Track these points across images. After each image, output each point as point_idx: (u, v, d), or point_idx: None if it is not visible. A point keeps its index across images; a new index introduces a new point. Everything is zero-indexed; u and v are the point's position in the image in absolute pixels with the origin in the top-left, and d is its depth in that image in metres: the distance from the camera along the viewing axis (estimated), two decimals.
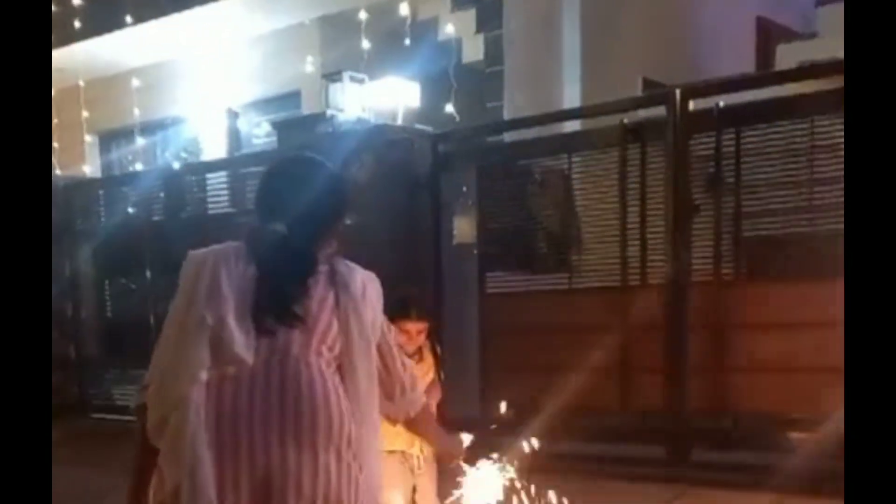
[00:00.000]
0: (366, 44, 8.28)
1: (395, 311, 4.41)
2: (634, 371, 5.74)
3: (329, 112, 6.73)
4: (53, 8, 10.67)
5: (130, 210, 8.12)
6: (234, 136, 9.01)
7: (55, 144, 11.26)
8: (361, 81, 6.91)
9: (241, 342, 2.19)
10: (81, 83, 10.88)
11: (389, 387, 2.51)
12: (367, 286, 2.35)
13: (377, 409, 2.38)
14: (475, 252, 6.38)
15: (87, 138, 10.93)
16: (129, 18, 10.33)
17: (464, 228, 6.40)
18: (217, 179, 7.57)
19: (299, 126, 6.93)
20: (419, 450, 4.26)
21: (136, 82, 10.66)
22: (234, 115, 9.97)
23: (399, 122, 7.01)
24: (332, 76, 6.97)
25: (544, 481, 3.38)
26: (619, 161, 5.73)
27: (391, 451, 4.23)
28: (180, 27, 10.08)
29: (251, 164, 7.28)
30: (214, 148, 9.92)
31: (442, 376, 4.40)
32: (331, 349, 2.27)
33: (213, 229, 7.03)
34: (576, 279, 6.14)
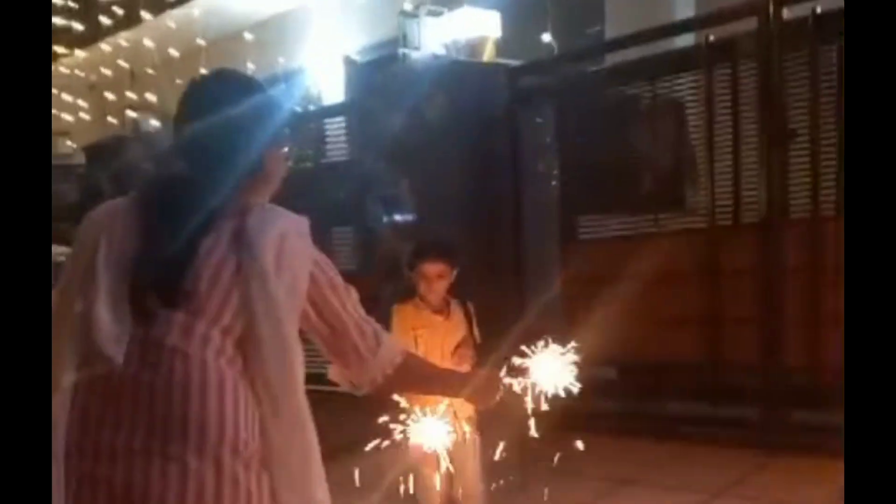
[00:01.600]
0: None
1: (413, 254, 4.14)
2: (725, 322, 5.10)
3: (402, 51, 6.34)
4: None
5: None
6: (353, 85, 8.73)
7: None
8: (438, 15, 6.47)
9: (110, 334, 1.74)
10: (202, 42, 10.98)
11: (339, 350, 1.96)
12: (286, 239, 1.79)
13: (300, 397, 1.83)
14: (557, 194, 5.87)
15: None
16: None
17: None
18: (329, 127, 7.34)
19: (371, 67, 6.60)
20: (452, 414, 3.93)
21: (250, 37, 10.66)
22: (351, 62, 9.79)
23: (485, 56, 6.52)
24: (408, 12, 6.57)
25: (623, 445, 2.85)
26: (705, 84, 5.04)
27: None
28: None
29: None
30: (335, 98, 9.77)
31: (477, 336, 4.03)
32: (227, 332, 1.76)
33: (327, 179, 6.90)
34: (667, 220, 5.52)
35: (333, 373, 2.04)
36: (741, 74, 5.00)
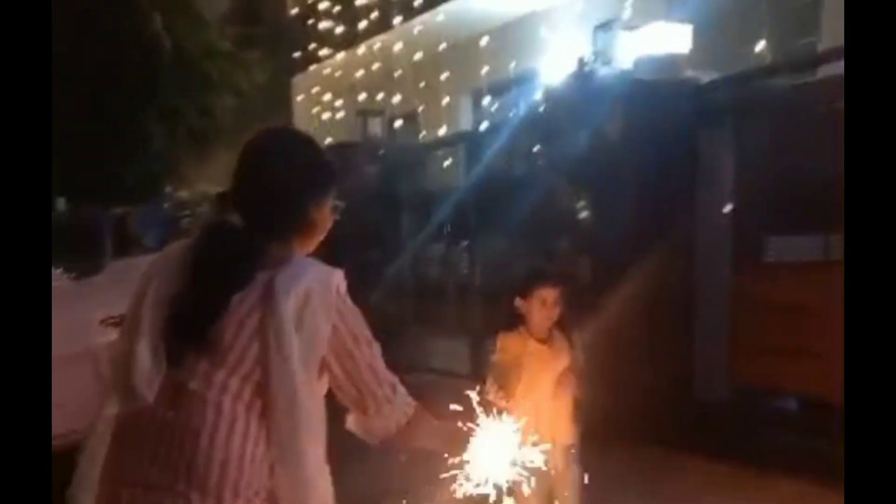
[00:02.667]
0: None
1: (529, 279, 4.12)
2: None
3: (586, 65, 6.26)
4: None
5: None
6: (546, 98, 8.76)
7: (420, 107, 12.12)
8: (633, 29, 6.31)
9: (144, 374, 1.90)
10: (444, 46, 11.40)
11: (358, 401, 2.03)
12: (311, 295, 1.88)
13: (312, 451, 1.94)
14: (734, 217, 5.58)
15: (446, 99, 11.46)
16: None
17: None
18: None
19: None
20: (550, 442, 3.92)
21: (486, 41, 10.92)
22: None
23: (688, 70, 6.28)
24: (602, 25, 6.46)
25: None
26: None
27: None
28: None
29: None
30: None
31: (580, 364, 3.99)
32: (246, 378, 1.88)
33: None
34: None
35: (350, 422, 2.12)
36: None
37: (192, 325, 1.88)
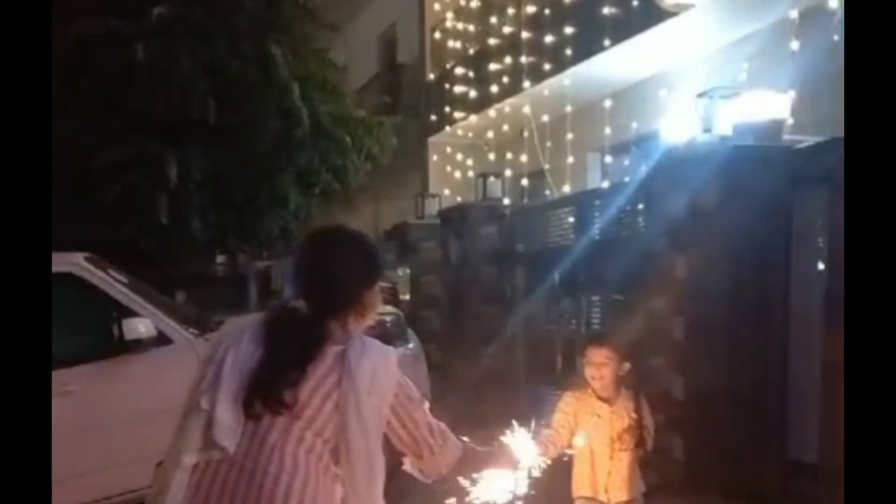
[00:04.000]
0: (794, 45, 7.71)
1: (584, 343, 4.42)
2: None
3: (661, 132, 6.46)
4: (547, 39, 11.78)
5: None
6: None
7: (546, 166, 12.42)
8: (731, 97, 6.44)
9: (227, 427, 2.21)
10: (569, 109, 11.71)
11: (415, 449, 2.48)
12: (377, 371, 2.31)
13: (380, 493, 2.34)
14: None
15: (570, 159, 11.73)
16: (606, 42, 10.87)
17: None
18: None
19: (629, 149, 6.75)
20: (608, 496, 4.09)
21: (609, 104, 11.16)
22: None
23: (786, 136, 6.37)
24: (703, 93, 6.62)
25: None
26: None
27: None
28: (651, 43, 10.28)
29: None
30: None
31: (649, 425, 4.19)
32: (318, 434, 2.25)
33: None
34: None
35: (408, 465, 2.59)
36: None
37: (271, 388, 2.23)
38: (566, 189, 11.34)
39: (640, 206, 7.02)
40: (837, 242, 5.71)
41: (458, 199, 12.90)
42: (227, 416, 2.22)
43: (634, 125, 10.85)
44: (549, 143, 12.38)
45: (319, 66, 12.05)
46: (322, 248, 2.51)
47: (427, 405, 2.51)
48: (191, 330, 5.86)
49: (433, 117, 15.45)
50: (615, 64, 11.05)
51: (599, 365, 4.07)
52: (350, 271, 2.44)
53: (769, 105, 6.29)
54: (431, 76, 16.14)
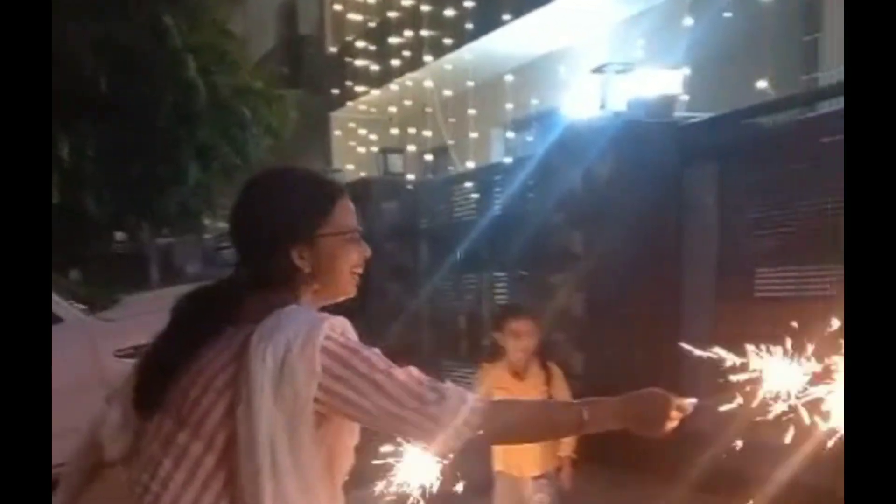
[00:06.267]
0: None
1: (500, 313, 4.43)
2: None
3: (563, 108, 6.58)
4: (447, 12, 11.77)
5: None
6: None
7: (450, 141, 12.46)
8: (626, 72, 6.57)
9: (112, 427, 1.80)
10: (471, 84, 11.75)
11: (401, 432, 1.77)
12: (291, 348, 1.66)
13: (299, 497, 1.71)
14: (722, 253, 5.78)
15: (474, 135, 11.79)
16: (506, 16, 10.93)
17: None
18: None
19: (531, 125, 6.85)
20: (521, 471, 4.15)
21: (510, 79, 11.24)
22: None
23: (668, 114, 6.52)
24: (599, 68, 6.74)
25: None
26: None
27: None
28: (549, 18, 10.38)
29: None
30: None
31: (566, 399, 4.19)
32: (209, 447, 1.69)
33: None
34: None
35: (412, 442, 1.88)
36: None
37: (153, 381, 1.75)
38: (470, 165, 11.40)
39: (541, 182, 7.10)
40: (728, 216, 5.91)
41: (362, 174, 12.84)
42: (116, 415, 1.80)
43: (536, 101, 10.96)
44: (452, 119, 12.42)
45: (217, 37, 11.78)
46: (246, 195, 1.86)
47: (408, 373, 1.75)
48: (81, 307, 5.76)
49: (335, 91, 15.29)
50: (515, 39, 11.14)
51: (524, 334, 4.08)
52: (268, 223, 1.79)
53: (662, 81, 6.44)
54: (332, 49, 15.96)
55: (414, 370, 1.76)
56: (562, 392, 4.18)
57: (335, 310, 1.82)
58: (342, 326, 1.73)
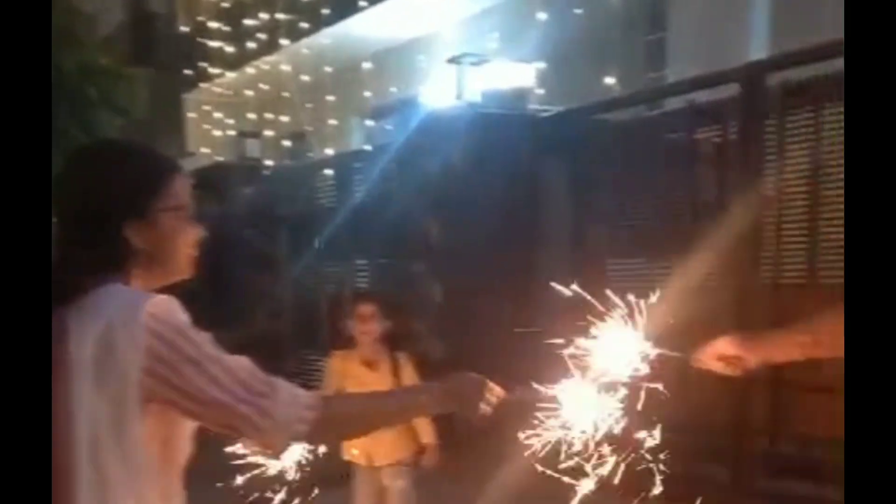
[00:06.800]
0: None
1: (349, 300, 4.53)
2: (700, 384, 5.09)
3: (421, 97, 6.71)
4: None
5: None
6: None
7: (308, 128, 12.36)
8: (479, 63, 6.74)
9: None
10: (329, 69, 11.68)
11: (229, 425, 1.65)
12: (113, 329, 1.55)
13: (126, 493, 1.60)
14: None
15: (333, 121, 11.74)
16: (362, 2, 10.93)
17: None
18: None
19: (389, 114, 6.95)
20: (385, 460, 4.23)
21: (368, 66, 11.24)
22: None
23: (521, 106, 6.73)
24: (454, 58, 6.87)
25: None
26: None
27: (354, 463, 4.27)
28: (405, 6, 10.44)
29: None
30: None
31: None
32: None
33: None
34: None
35: (244, 441, 1.82)
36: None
37: None
38: (329, 152, 11.34)
39: (401, 171, 7.19)
40: (580, 208, 6.16)
41: (218, 159, 12.58)
42: None
43: (394, 89, 11.01)
44: (310, 104, 12.31)
45: (62, 14, 11.23)
46: (74, 171, 1.72)
47: (239, 362, 1.65)
48: None
49: (188, 72, 14.86)
50: (373, 26, 11.16)
51: (368, 318, 4.16)
52: (92, 198, 1.67)
53: (516, 74, 6.63)
54: (185, 28, 15.51)
55: (246, 360, 1.66)
56: (410, 381, 4.27)
57: (182, 296, 1.70)
58: (168, 305, 1.60)
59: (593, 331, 2.06)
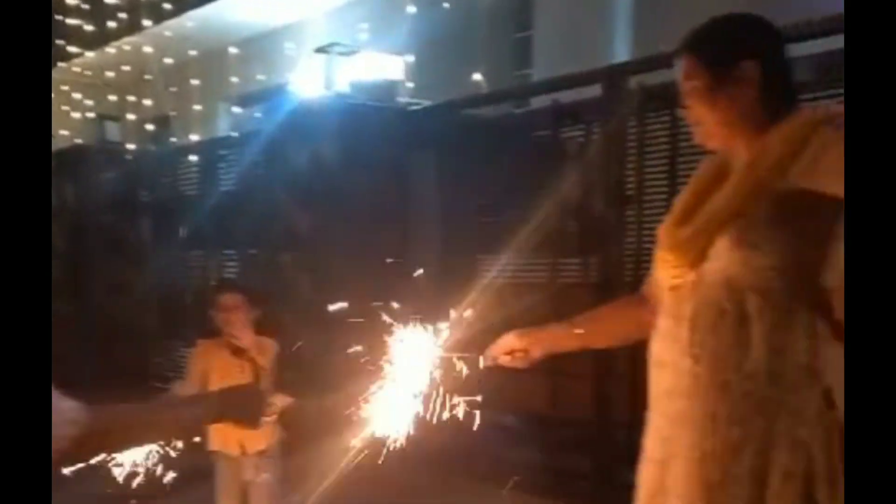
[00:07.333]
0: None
1: (212, 290, 4.53)
2: (564, 375, 5.30)
3: (290, 86, 6.69)
4: None
5: None
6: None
7: (172, 112, 12.04)
8: (349, 54, 6.74)
9: None
10: (194, 53, 11.40)
11: None
12: None
13: None
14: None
15: (198, 107, 11.46)
16: None
17: None
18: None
19: (257, 101, 6.91)
20: (242, 448, 4.22)
21: (235, 52, 11.03)
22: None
23: (390, 99, 6.76)
24: (323, 48, 6.85)
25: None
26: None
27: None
28: None
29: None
30: None
31: (277, 375, 4.28)
32: None
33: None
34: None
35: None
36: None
37: None
38: (194, 137, 11.08)
39: (269, 160, 7.12)
40: (448, 203, 6.25)
41: (77, 141, 12.11)
42: None
43: (262, 77, 10.85)
44: (173, 88, 11.99)
45: None
46: None
47: None
48: None
49: None
50: (240, 10, 10.97)
51: (232, 308, 4.16)
52: None
53: (385, 66, 6.66)
54: None
55: None
56: (274, 369, 4.31)
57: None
58: None
59: (396, 335, 2.26)
